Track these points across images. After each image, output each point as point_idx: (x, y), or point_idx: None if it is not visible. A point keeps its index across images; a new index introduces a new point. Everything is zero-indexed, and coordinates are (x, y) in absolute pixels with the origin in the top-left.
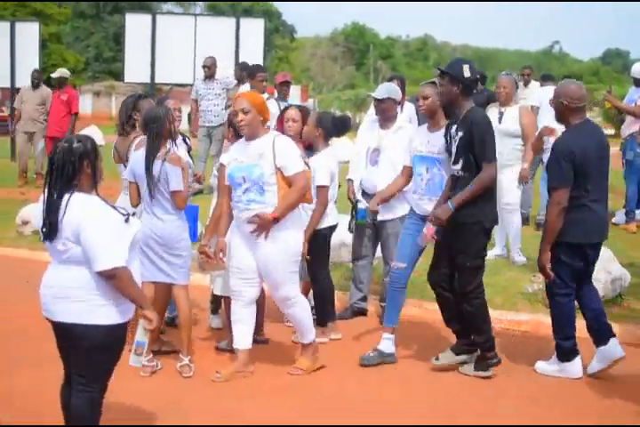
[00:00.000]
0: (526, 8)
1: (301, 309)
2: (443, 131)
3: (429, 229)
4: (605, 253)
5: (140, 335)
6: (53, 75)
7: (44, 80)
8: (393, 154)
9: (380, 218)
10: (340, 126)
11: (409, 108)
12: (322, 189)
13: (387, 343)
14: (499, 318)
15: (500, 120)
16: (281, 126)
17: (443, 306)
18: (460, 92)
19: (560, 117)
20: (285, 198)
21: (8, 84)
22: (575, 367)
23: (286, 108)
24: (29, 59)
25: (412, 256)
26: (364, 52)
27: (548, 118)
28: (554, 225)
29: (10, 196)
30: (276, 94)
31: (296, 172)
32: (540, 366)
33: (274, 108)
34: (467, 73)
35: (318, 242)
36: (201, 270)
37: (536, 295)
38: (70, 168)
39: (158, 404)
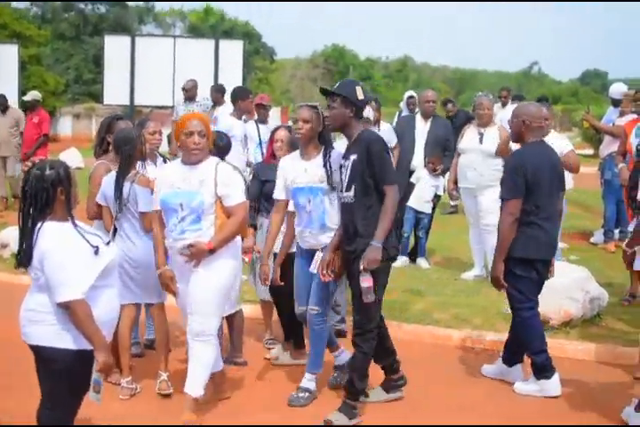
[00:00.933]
0: (505, 29)
1: (210, 351)
2: (320, 158)
3: (367, 280)
4: (583, 272)
5: (96, 373)
6: (25, 98)
7: (21, 103)
8: None
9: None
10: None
11: (388, 129)
12: (292, 214)
13: (311, 384)
14: (478, 338)
15: (480, 141)
16: (270, 147)
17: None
18: (353, 115)
19: (517, 137)
20: (223, 229)
21: None
22: (554, 385)
23: (276, 129)
24: (9, 81)
25: (320, 296)
26: (343, 73)
27: None
28: (506, 236)
29: None
30: (255, 116)
31: (237, 202)
32: (519, 386)
33: (253, 130)
34: (360, 95)
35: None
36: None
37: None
38: (44, 196)
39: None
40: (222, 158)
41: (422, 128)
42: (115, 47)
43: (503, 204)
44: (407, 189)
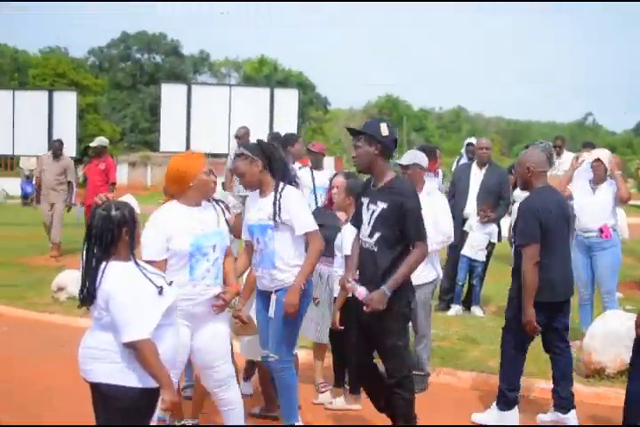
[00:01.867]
0: (559, 81)
1: (237, 392)
2: (272, 196)
3: (360, 293)
4: None
5: (159, 411)
6: (92, 144)
7: (82, 150)
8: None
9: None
10: None
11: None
12: (350, 258)
13: None
14: (529, 386)
15: None
16: (329, 193)
17: (373, 394)
18: (378, 153)
19: (525, 183)
20: (237, 271)
21: (47, 152)
22: (513, 415)
23: (334, 176)
24: (67, 128)
25: (277, 341)
26: (397, 123)
27: (581, 182)
28: (532, 280)
29: (46, 262)
30: (310, 164)
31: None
32: (478, 417)
33: (307, 176)
34: (384, 132)
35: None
36: (234, 335)
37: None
38: (109, 236)
39: None
40: None
41: (477, 176)
42: (171, 95)
43: (523, 250)
44: (461, 237)
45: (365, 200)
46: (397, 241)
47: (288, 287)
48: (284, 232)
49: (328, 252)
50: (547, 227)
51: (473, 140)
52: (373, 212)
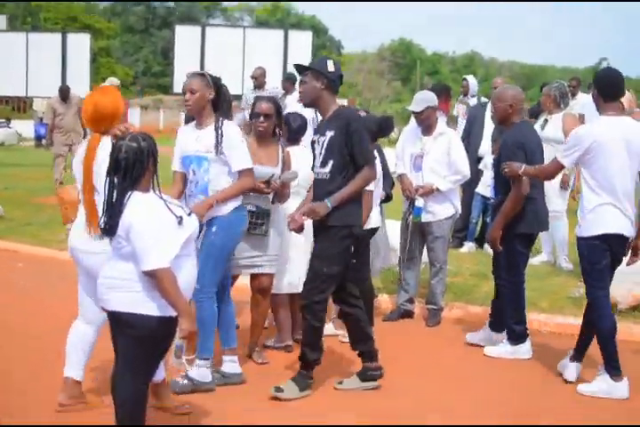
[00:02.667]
0: (575, 25)
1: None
2: (212, 128)
3: (295, 222)
4: None
5: (178, 338)
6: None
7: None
8: (435, 159)
9: (424, 220)
10: (385, 127)
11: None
12: (368, 193)
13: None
14: (545, 321)
15: (542, 127)
16: None
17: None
18: (324, 88)
19: (505, 118)
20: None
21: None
22: (526, 348)
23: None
24: (80, 70)
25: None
26: (410, 67)
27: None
28: (516, 210)
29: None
30: None
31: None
32: (490, 350)
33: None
34: (330, 68)
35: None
36: None
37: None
38: (139, 167)
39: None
40: (297, 140)
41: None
42: (185, 37)
43: (515, 183)
44: (475, 175)
45: (315, 137)
46: (348, 166)
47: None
48: (220, 165)
49: None
50: (530, 160)
51: (469, 77)
52: (323, 143)
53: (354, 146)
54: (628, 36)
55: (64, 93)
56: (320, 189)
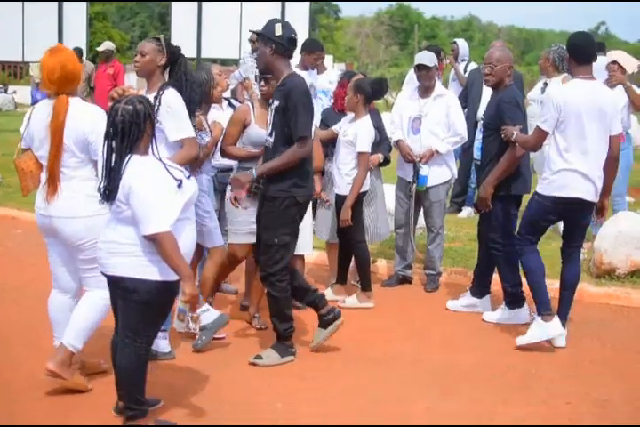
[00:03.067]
0: None
1: None
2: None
3: (235, 193)
4: None
5: (180, 302)
6: (99, 48)
7: (91, 58)
8: (434, 121)
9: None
10: (378, 89)
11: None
12: (363, 156)
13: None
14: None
15: (542, 91)
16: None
17: None
18: (273, 53)
19: (500, 81)
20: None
21: None
22: (524, 314)
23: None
24: (77, 36)
25: None
26: (408, 31)
27: None
28: (510, 170)
29: None
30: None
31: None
32: (488, 315)
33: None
34: (278, 31)
35: (355, 208)
36: None
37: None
38: (136, 130)
39: (207, 364)
40: None
41: None
42: (182, 13)
43: (511, 144)
44: (474, 139)
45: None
46: (289, 138)
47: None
48: (158, 134)
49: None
50: (525, 118)
51: (460, 40)
52: (272, 111)
53: (289, 119)
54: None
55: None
56: (265, 157)
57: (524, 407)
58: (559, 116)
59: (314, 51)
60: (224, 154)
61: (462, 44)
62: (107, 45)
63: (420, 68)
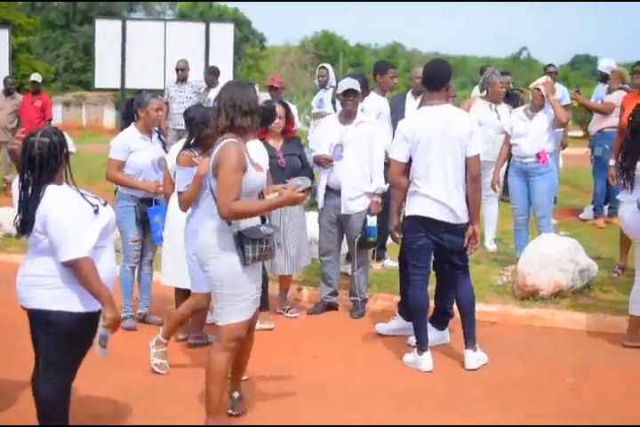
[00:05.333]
0: (494, 14)
1: None
2: None
3: None
4: (573, 244)
5: (101, 328)
6: (33, 78)
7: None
8: (357, 148)
9: (343, 212)
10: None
11: (381, 101)
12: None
13: None
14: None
15: (498, 117)
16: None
17: None
18: None
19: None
20: None
21: None
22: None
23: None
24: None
25: None
26: (333, 59)
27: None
28: None
29: None
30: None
31: None
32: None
33: None
34: None
35: None
36: None
37: (505, 287)
38: (53, 162)
39: (132, 395)
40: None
41: (413, 105)
42: (106, 31)
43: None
44: None
45: None
46: None
47: None
48: None
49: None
50: None
51: (328, 65)
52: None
53: None
54: (545, 26)
55: (8, 83)
56: None
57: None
58: (410, 146)
59: (386, 70)
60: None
61: (331, 70)
62: (36, 77)
63: (348, 94)
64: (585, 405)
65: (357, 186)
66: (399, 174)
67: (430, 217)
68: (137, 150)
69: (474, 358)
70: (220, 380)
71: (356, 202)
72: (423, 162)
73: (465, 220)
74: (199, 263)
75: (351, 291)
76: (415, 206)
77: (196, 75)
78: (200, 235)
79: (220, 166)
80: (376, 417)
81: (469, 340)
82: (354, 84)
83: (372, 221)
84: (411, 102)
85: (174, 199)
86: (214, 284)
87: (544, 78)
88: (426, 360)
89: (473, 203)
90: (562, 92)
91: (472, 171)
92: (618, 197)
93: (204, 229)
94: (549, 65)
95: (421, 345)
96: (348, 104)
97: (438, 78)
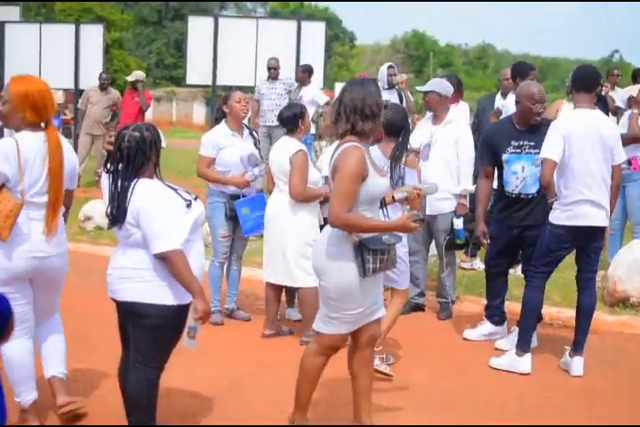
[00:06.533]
0: (587, 16)
1: None
2: None
3: None
4: None
5: (191, 320)
6: (129, 78)
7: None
8: (443, 148)
9: (428, 213)
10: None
11: (464, 108)
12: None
13: None
14: (557, 314)
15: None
16: None
17: None
18: None
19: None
20: None
21: (72, 86)
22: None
23: None
24: (93, 61)
25: None
26: (423, 59)
27: None
28: None
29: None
30: None
31: None
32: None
33: None
34: None
35: None
36: None
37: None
38: (141, 157)
39: (218, 390)
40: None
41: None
42: (198, 28)
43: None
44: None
45: None
46: None
47: None
48: None
49: None
50: None
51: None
52: None
53: None
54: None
55: (103, 79)
56: None
57: None
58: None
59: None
60: None
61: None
62: (136, 75)
63: (427, 94)
64: None
65: (443, 186)
66: (552, 175)
67: (590, 225)
68: (226, 147)
69: (581, 365)
70: (312, 380)
71: (441, 203)
72: (579, 163)
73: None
74: (315, 271)
75: (438, 292)
76: (574, 216)
77: (287, 72)
78: (319, 241)
79: (339, 172)
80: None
81: (580, 346)
82: (426, 86)
83: (459, 223)
84: (500, 102)
85: (273, 196)
86: (328, 295)
87: (637, 86)
88: (526, 362)
89: (611, 209)
90: None
91: (616, 179)
92: None
93: (324, 235)
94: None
95: (524, 347)
96: (425, 103)
97: (587, 82)
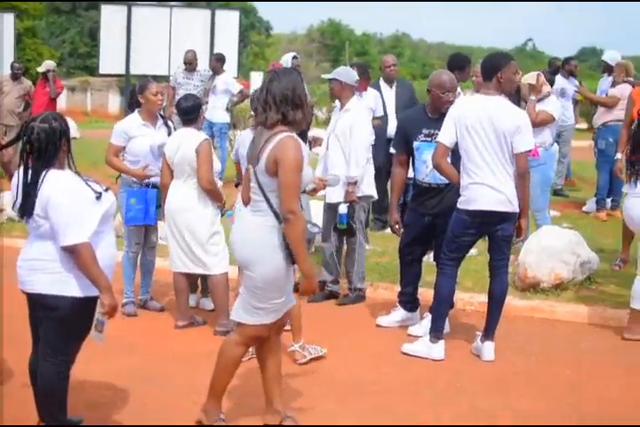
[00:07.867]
0: (501, 5)
1: None
2: None
3: None
4: (574, 236)
5: (98, 313)
6: (40, 69)
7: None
8: (340, 136)
9: (336, 200)
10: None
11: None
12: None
13: None
14: (469, 300)
15: None
16: None
17: None
18: None
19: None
20: None
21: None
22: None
23: None
24: (4, 51)
25: None
26: (339, 48)
27: None
28: None
29: None
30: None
31: None
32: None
33: None
34: None
35: None
36: None
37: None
38: (52, 148)
39: (132, 381)
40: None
41: (389, 93)
42: (111, 16)
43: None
44: (387, 157)
45: None
46: None
47: None
48: None
49: None
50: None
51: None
52: None
53: None
54: (551, 17)
55: (15, 69)
56: None
57: (450, 421)
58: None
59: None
60: None
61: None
62: (47, 65)
63: (331, 82)
64: (583, 398)
65: (340, 175)
66: (444, 157)
67: (489, 209)
68: (137, 136)
69: (492, 350)
70: (230, 371)
71: (338, 190)
72: (471, 148)
73: (517, 209)
74: (240, 261)
75: (349, 279)
76: (471, 200)
77: (202, 61)
78: (240, 230)
79: (283, 164)
80: (380, 410)
81: (491, 331)
82: (330, 74)
83: (343, 208)
84: (387, 90)
85: (174, 187)
86: (255, 284)
87: (535, 73)
88: (439, 349)
89: (522, 198)
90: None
91: (520, 167)
92: (623, 189)
93: (246, 224)
94: (555, 59)
95: (437, 333)
96: (330, 90)
97: (485, 69)
